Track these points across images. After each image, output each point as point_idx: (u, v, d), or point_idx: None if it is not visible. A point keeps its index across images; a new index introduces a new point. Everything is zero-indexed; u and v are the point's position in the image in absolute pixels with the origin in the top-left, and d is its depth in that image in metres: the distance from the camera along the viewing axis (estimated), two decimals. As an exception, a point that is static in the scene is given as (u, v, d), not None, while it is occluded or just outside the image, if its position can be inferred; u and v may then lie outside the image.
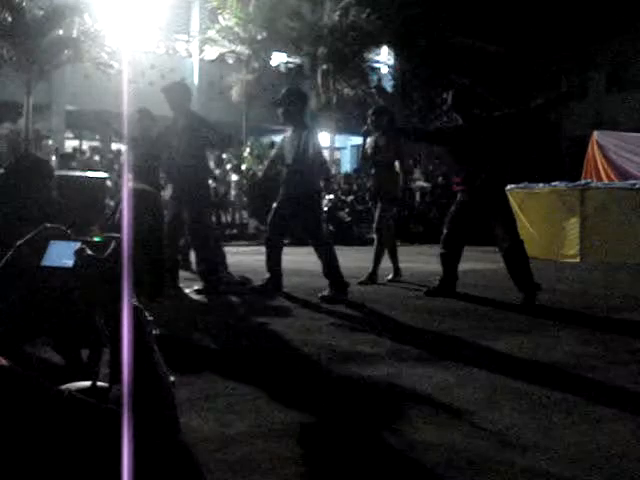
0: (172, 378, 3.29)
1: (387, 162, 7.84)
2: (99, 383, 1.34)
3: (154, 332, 1.26)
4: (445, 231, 6.82)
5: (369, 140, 7.94)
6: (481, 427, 2.91)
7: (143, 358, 1.17)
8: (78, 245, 1.19)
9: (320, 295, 6.38)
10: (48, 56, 15.47)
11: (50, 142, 7.39)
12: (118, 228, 1.29)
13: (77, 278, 1.17)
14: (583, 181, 12.71)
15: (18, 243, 1.23)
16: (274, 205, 6.88)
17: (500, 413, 3.11)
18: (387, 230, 7.93)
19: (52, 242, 1.22)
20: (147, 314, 1.22)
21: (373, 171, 8.07)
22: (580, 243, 11.44)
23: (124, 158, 7.90)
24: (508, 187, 7.36)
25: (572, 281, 8.55)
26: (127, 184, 2.29)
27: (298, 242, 7.02)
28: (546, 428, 2.91)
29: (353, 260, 10.10)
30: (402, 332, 5.01)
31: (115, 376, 1.15)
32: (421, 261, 11.07)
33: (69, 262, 1.18)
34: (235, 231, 16.38)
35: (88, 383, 1.34)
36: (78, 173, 5.38)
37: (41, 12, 15.56)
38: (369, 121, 7.81)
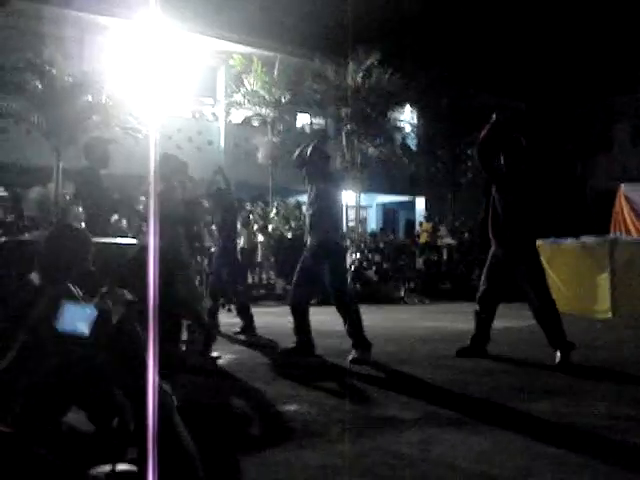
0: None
1: None
2: (124, 467, 1.32)
3: (174, 403, 1.24)
4: (481, 288, 6.75)
5: None
6: (519, 496, 2.82)
7: (168, 436, 1.15)
8: (93, 312, 1.18)
9: (350, 358, 6.32)
10: (77, 122, 15.80)
11: (80, 208, 7.51)
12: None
13: (95, 348, 1.16)
14: (612, 235, 12.60)
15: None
16: (297, 268, 6.88)
17: (538, 481, 3.02)
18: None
19: (66, 304, 1.22)
20: (165, 385, 1.20)
21: None
22: (611, 298, 11.26)
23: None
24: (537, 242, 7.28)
25: (605, 338, 8.40)
26: (150, 247, 2.26)
27: (325, 301, 6.97)
28: (587, 497, 2.82)
29: (382, 320, 10.05)
30: (434, 394, 4.93)
31: (142, 454, 1.13)
32: (449, 319, 10.97)
33: (84, 329, 1.17)
34: (263, 291, 16.37)
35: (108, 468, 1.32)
36: (109, 240, 5.43)
37: (70, 79, 15.96)
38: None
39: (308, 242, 6.85)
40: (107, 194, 7.16)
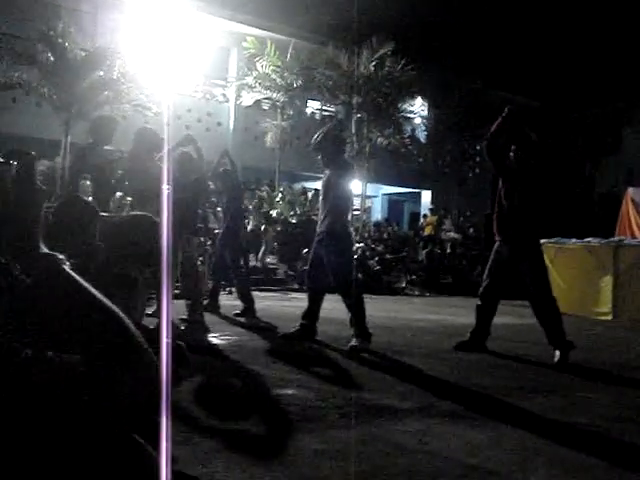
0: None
1: None
2: None
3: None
4: (484, 283, 6.74)
5: None
6: (513, 491, 2.82)
7: None
8: None
9: (350, 345, 6.32)
10: (88, 96, 15.72)
11: (88, 182, 7.45)
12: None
13: None
14: (617, 238, 12.57)
15: None
16: (310, 256, 6.92)
17: (531, 477, 3.02)
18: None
19: None
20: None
21: None
22: (613, 300, 11.26)
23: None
24: (541, 241, 7.27)
25: (605, 339, 8.40)
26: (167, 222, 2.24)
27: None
28: (581, 495, 2.82)
29: (382, 310, 10.05)
30: (432, 386, 4.93)
31: None
32: (449, 313, 10.98)
33: None
34: (264, 275, 16.37)
35: None
36: (115, 215, 5.43)
37: (83, 53, 15.90)
38: None
39: (317, 228, 6.85)
40: (109, 171, 7.11)
